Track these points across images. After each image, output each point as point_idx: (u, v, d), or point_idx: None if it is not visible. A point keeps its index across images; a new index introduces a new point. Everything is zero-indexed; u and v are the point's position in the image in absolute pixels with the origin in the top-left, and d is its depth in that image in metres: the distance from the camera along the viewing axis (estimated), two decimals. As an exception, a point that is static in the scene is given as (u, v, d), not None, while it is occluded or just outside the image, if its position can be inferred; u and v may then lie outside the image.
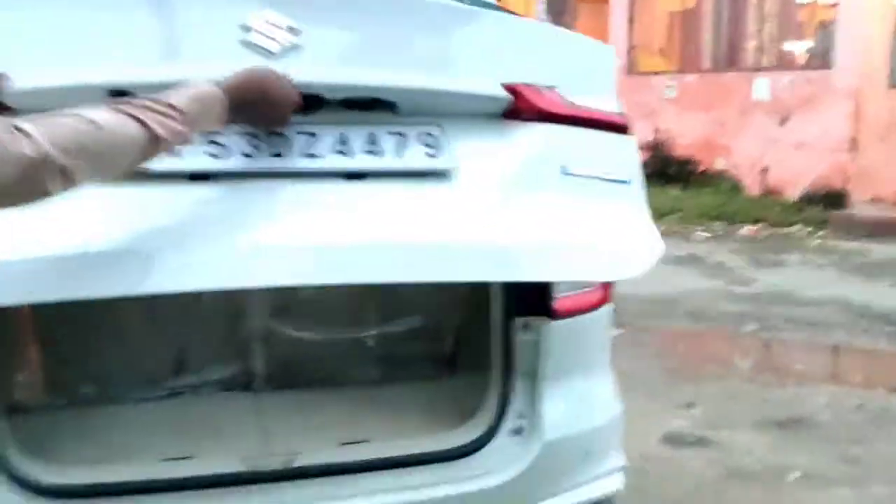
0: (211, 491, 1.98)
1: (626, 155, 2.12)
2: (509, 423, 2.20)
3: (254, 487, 2.00)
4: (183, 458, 2.09)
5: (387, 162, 1.87)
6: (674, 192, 11.35)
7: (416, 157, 1.89)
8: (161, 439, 2.23)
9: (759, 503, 3.61)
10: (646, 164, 11.45)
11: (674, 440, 4.28)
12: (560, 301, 2.21)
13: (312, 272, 1.71)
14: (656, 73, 12.49)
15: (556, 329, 2.20)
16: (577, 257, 1.93)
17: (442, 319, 2.67)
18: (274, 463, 2.05)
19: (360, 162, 1.85)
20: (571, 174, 1.95)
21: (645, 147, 12.13)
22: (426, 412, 2.39)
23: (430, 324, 2.65)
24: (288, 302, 2.61)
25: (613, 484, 2.34)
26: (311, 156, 1.81)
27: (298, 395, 2.53)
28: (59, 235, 1.56)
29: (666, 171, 11.73)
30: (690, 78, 12.22)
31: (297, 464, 2.05)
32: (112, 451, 2.14)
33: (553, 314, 2.19)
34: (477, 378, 2.35)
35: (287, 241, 1.70)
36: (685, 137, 12.04)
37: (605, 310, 2.34)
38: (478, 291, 2.40)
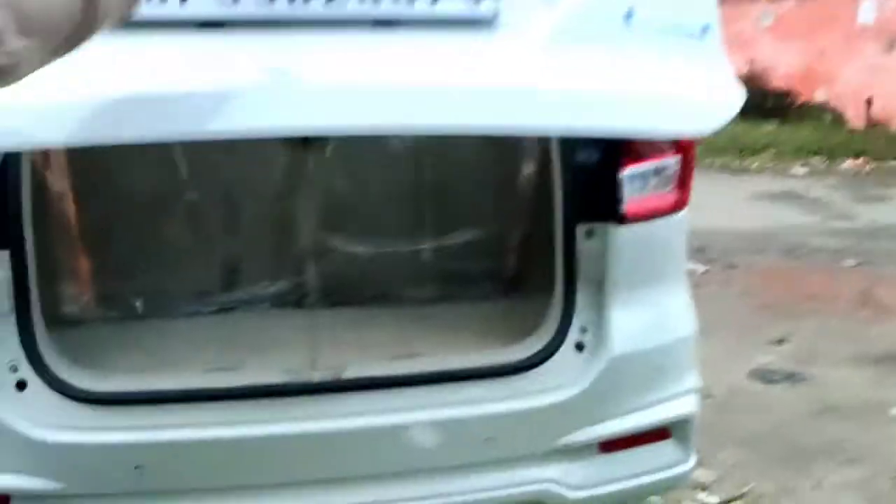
0: (253, 401, 1.90)
1: (699, 0, 1.85)
2: (572, 337, 2.03)
3: (297, 399, 1.91)
4: (226, 370, 2.02)
5: (419, 9, 1.70)
6: (769, 126, 10.72)
7: (452, 3, 1.71)
8: (208, 352, 2.16)
9: (854, 437, 3.35)
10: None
11: (763, 376, 4.04)
12: (629, 203, 2.00)
13: (335, 119, 1.56)
14: (751, 0, 11.75)
15: (624, 235, 2.00)
16: (639, 109, 1.69)
17: (501, 231, 2.50)
18: (319, 375, 1.95)
19: (388, 8, 1.68)
20: (636, 21, 1.72)
21: (739, 80, 11.50)
22: (483, 329, 2.24)
23: (489, 236, 2.48)
24: (341, 214, 2.47)
25: (688, 405, 2.14)
26: (332, 1, 1.66)
27: (351, 311, 2.41)
28: (82, 84, 1.46)
29: (762, 104, 11.07)
30: (789, 3, 11.45)
31: (343, 376, 1.94)
32: (158, 362, 2.09)
33: (621, 218, 1.99)
34: (539, 292, 2.18)
35: (308, 88, 1.56)
36: (782, 68, 11.33)
37: (682, 214, 2.11)
38: (539, 196, 2.21)
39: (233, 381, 1.95)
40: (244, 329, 2.34)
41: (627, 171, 2.00)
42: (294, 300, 2.48)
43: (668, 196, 2.07)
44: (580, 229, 2.03)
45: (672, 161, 2.07)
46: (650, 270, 2.09)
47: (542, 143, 2.21)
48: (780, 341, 4.44)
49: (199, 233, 2.44)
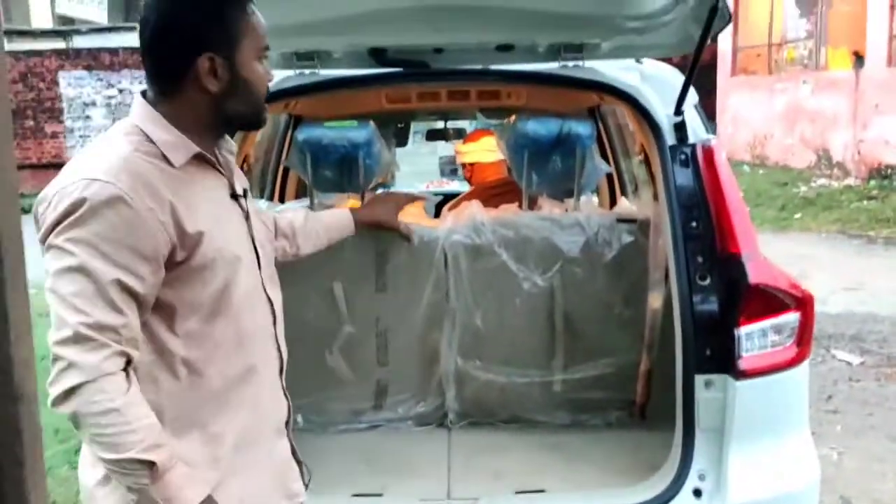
0: None
1: None
2: (690, 483, 2.14)
3: None
4: (372, 496, 2.27)
5: None
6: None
7: None
8: (358, 472, 2.43)
9: None
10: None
11: (915, 490, 3.87)
12: (746, 359, 2.11)
13: None
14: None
15: (742, 388, 2.11)
16: None
17: (629, 364, 2.64)
18: None
19: None
20: None
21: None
22: (606, 463, 2.39)
23: (618, 369, 2.63)
24: (480, 344, 2.70)
25: (809, 554, 2.19)
26: None
27: (486, 434, 2.63)
28: None
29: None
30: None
31: (474, 511, 2.15)
32: (314, 485, 2.36)
33: (739, 374, 2.11)
34: (660, 432, 2.31)
35: None
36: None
37: (801, 367, 2.19)
38: (665, 336, 2.35)
39: None
40: (390, 448, 2.60)
41: (745, 329, 2.12)
42: (435, 420, 2.73)
43: (787, 351, 2.15)
44: (699, 379, 2.15)
45: (792, 318, 2.16)
46: (769, 421, 2.17)
47: (667, 291, 2.36)
48: (939, 451, 4.23)
49: (355, 359, 2.73)
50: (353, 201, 3.16)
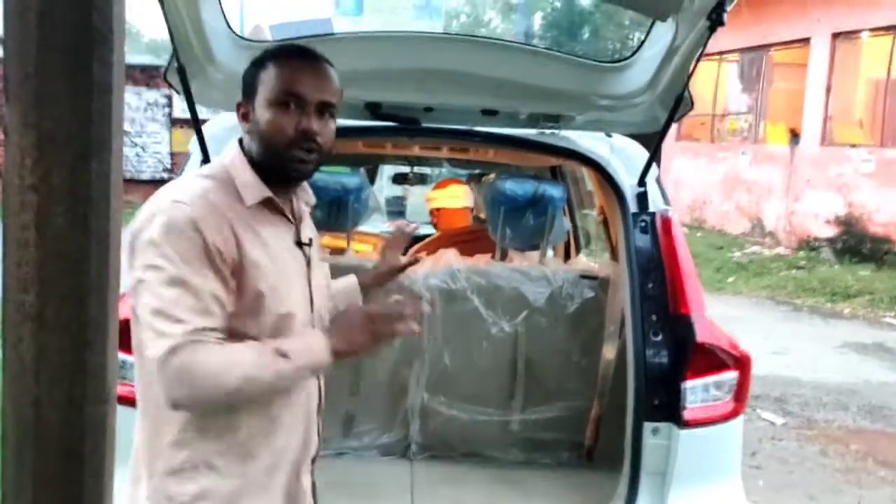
0: None
1: None
2: None
3: None
4: None
5: None
6: (865, 272, 10.71)
7: None
8: (324, 498, 2.57)
9: None
10: (835, 240, 10.82)
11: (827, 548, 4.15)
12: (690, 410, 2.35)
13: None
14: (853, 146, 11.92)
15: (684, 437, 2.35)
16: None
17: (582, 408, 2.87)
18: None
19: None
20: None
21: (835, 222, 11.59)
22: (557, 500, 2.59)
23: (570, 414, 2.86)
24: (446, 382, 2.90)
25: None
26: None
27: (446, 467, 2.81)
28: None
29: (858, 248, 11.11)
30: (892, 153, 11.55)
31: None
32: None
33: (682, 423, 2.34)
34: (606, 473, 2.52)
35: None
36: (882, 214, 11.33)
37: (737, 421, 2.44)
38: (615, 387, 2.58)
39: None
40: (355, 476, 2.76)
41: (690, 383, 2.37)
42: (399, 451, 2.90)
43: (726, 406, 2.41)
44: (647, 427, 2.39)
45: (731, 375, 2.42)
46: (707, 468, 2.41)
47: (620, 343, 2.60)
48: (850, 512, 4.53)
49: (327, 389, 2.88)
50: (330, 239, 3.34)
